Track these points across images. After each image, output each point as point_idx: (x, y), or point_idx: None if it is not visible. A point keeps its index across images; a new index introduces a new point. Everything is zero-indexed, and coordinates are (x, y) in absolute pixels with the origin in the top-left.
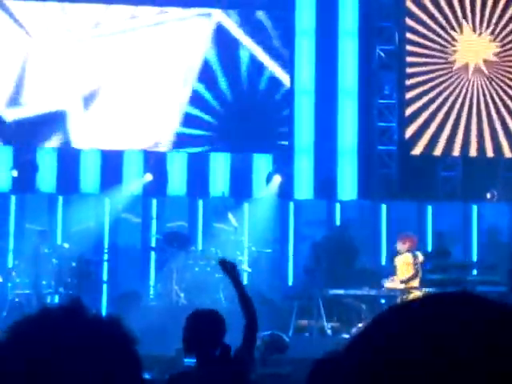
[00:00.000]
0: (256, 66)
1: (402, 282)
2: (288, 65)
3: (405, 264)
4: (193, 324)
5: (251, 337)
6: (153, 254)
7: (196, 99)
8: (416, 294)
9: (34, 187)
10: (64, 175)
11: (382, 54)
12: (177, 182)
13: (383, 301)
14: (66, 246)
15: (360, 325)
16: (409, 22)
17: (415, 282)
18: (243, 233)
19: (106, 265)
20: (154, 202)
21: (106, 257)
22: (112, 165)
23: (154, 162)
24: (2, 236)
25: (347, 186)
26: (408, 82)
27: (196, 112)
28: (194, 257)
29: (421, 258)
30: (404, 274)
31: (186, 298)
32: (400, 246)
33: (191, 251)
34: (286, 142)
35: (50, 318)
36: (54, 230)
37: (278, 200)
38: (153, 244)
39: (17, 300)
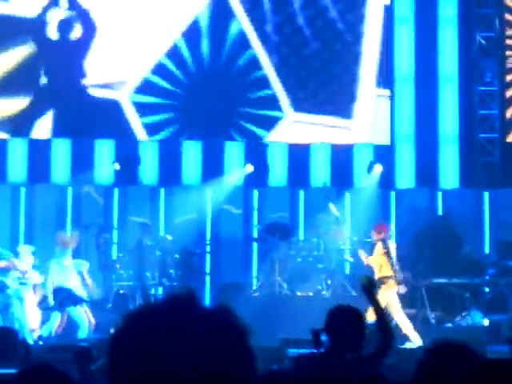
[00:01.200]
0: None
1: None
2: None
3: (378, 254)
4: (338, 319)
5: (385, 350)
6: (255, 245)
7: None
8: (390, 282)
9: (137, 180)
10: (166, 167)
11: (483, 41)
12: (278, 172)
13: (487, 289)
14: (169, 237)
15: (464, 313)
16: (509, 8)
17: (387, 272)
18: (345, 223)
19: (208, 256)
20: (256, 193)
21: (208, 248)
22: (213, 156)
23: (255, 152)
24: (106, 229)
25: (449, 175)
26: (508, 69)
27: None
28: (296, 247)
29: (393, 246)
30: (377, 264)
31: (289, 289)
32: (375, 236)
33: (293, 242)
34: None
35: (164, 309)
36: (157, 222)
37: (379, 189)
38: (255, 235)
39: (121, 292)
